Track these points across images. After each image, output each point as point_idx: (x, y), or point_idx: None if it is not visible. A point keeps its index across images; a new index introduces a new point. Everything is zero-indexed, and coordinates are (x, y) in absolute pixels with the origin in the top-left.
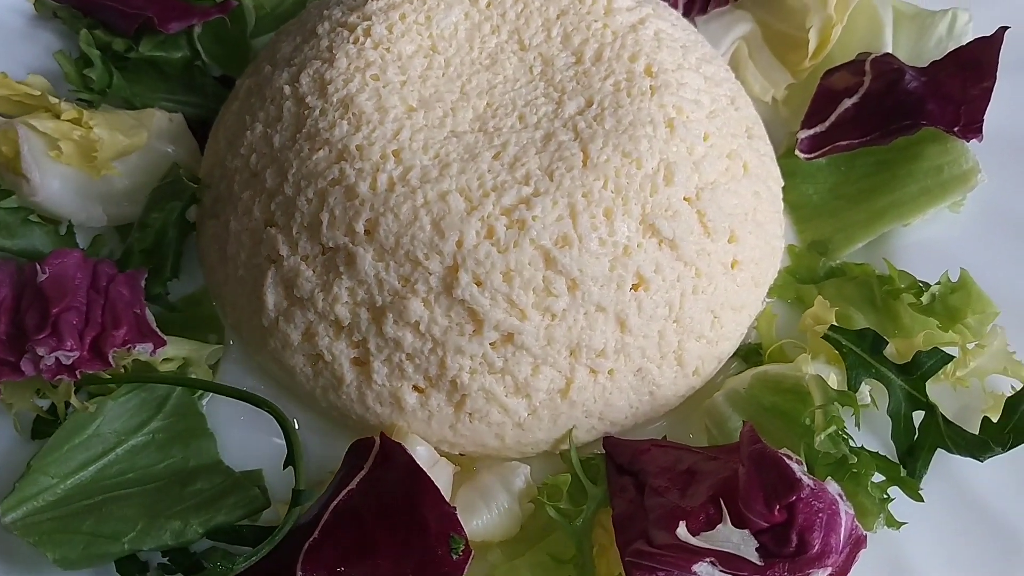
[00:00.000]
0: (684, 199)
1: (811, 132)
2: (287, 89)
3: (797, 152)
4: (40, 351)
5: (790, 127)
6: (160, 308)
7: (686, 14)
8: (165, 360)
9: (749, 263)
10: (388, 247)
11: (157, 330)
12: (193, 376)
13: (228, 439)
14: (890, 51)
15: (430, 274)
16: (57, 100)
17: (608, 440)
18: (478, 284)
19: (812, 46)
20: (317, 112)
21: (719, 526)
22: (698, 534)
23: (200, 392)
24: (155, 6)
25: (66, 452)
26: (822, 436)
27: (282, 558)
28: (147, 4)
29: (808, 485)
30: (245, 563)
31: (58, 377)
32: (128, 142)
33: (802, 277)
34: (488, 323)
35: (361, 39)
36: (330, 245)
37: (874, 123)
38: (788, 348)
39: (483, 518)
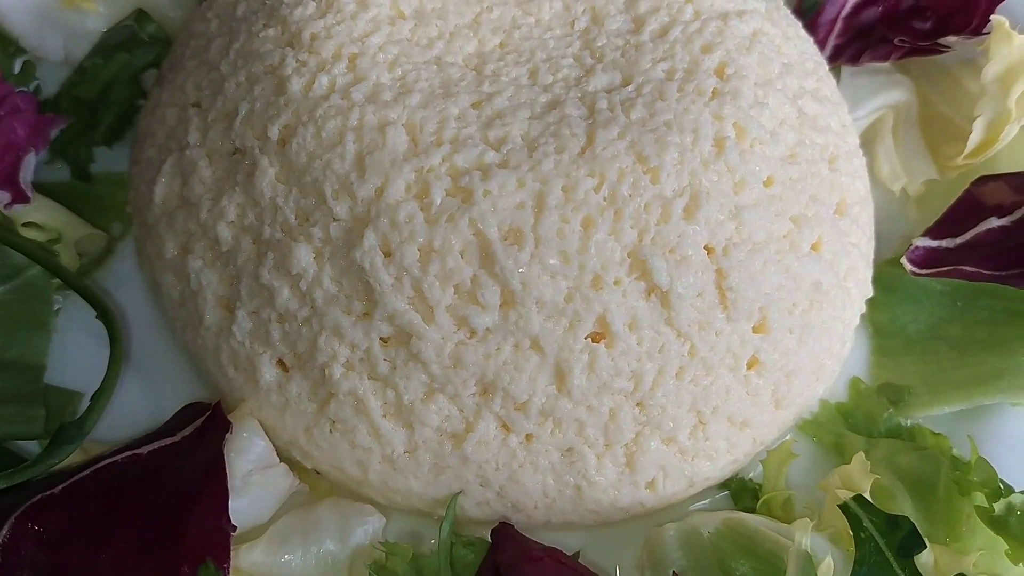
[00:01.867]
0: (704, 247)
1: (933, 244)
2: (270, 32)
3: (904, 261)
4: None
5: (912, 231)
6: (71, 170)
7: (833, 58)
8: (33, 226)
9: (775, 371)
10: (297, 167)
11: (25, 184)
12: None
13: (73, 348)
14: None
15: (333, 219)
16: None
17: (500, 529)
18: (385, 253)
19: (974, 141)
20: (310, 61)
21: None
22: None
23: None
24: None
25: None
26: None
27: (7, 500)
28: None
29: None
30: None
31: None
32: None
33: (855, 423)
34: (383, 308)
35: None
36: (237, 145)
37: (1019, 258)
38: (795, 503)
39: (294, 558)
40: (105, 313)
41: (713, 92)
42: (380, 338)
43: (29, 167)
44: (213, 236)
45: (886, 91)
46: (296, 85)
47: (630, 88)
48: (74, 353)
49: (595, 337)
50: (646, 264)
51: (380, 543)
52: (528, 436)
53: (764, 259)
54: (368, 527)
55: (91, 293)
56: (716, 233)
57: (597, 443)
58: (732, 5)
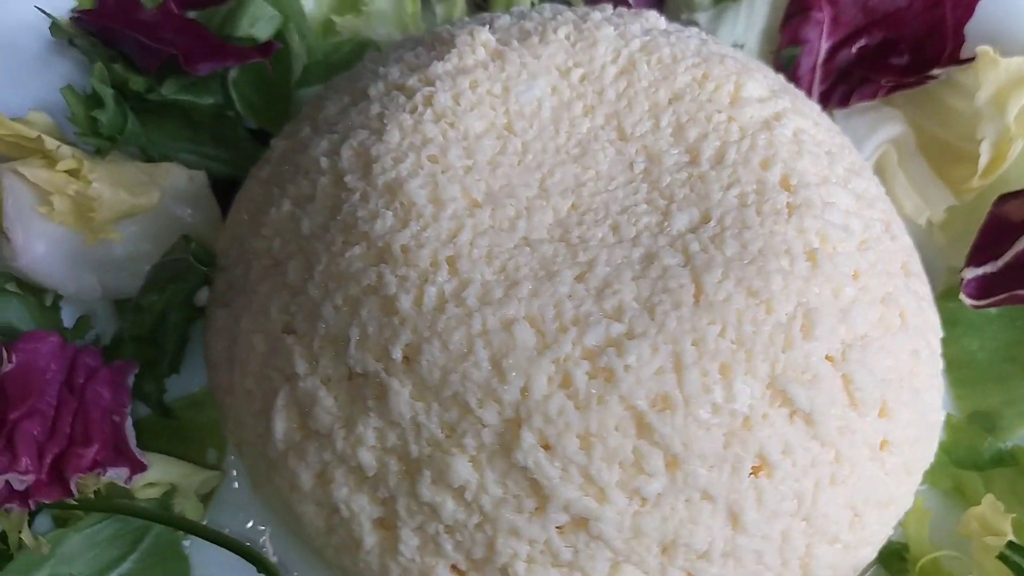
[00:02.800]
0: (826, 358)
1: (981, 271)
2: (324, 162)
3: (962, 296)
4: None
5: (948, 259)
6: (151, 410)
7: (822, 104)
8: (148, 485)
9: (902, 444)
10: (431, 384)
11: (136, 451)
12: (179, 510)
13: None
14: None
15: (483, 426)
16: (56, 145)
17: None
18: (546, 448)
19: (983, 162)
20: (357, 196)
21: None
22: None
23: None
24: (184, 41)
25: None
26: None
27: None
28: (175, 37)
29: None
30: None
31: (7, 505)
32: (133, 202)
33: (960, 459)
34: (555, 501)
35: (420, 108)
36: (358, 370)
37: None
38: (947, 562)
39: None
40: (252, 557)
41: (788, 207)
42: (557, 527)
43: (131, 431)
44: (355, 463)
45: (882, 127)
46: (405, 302)
47: (712, 224)
48: None
49: (756, 471)
50: (786, 393)
51: None
52: None
53: (874, 349)
54: None
55: (232, 542)
56: (832, 341)
57: (775, 565)
58: (768, 111)
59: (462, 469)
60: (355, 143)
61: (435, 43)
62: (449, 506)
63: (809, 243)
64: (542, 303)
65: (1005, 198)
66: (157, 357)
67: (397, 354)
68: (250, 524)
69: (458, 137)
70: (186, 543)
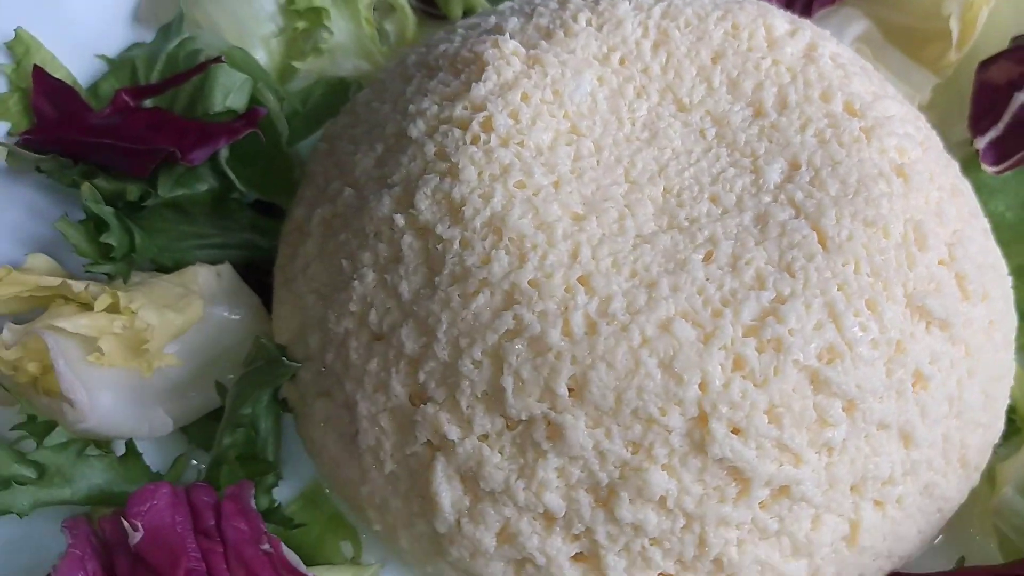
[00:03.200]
0: (939, 263)
1: (989, 138)
2: (400, 219)
3: (984, 166)
4: None
5: (945, 137)
6: (275, 526)
7: None
8: None
9: (1001, 320)
10: (607, 408)
11: (303, 569)
12: None
13: None
14: None
15: (670, 432)
16: (83, 286)
17: None
18: (737, 433)
19: (956, 35)
20: (457, 245)
21: None
22: None
23: None
24: (168, 135)
25: None
26: None
27: None
28: (157, 134)
29: None
30: None
31: None
32: (183, 319)
33: (1021, 315)
34: (757, 480)
35: (482, 137)
36: (521, 417)
37: None
38: None
39: None
40: None
41: (863, 132)
42: (759, 504)
43: (291, 552)
44: (541, 509)
45: (847, 28)
46: (555, 336)
47: (804, 168)
48: None
49: (915, 388)
50: (923, 308)
51: None
52: (898, 499)
53: (966, 240)
54: None
55: None
56: (939, 246)
57: (942, 467)
58: (801, 44)
59: (659, 480)
60: (429, 191)
61: (458, 65)
62: (652, 519)
63: (893, 160)
64: (687, 295)
65: (986, 64)
66: (263, 471)
67: (562, 389)
68: None
69: (533, 155)
70: None
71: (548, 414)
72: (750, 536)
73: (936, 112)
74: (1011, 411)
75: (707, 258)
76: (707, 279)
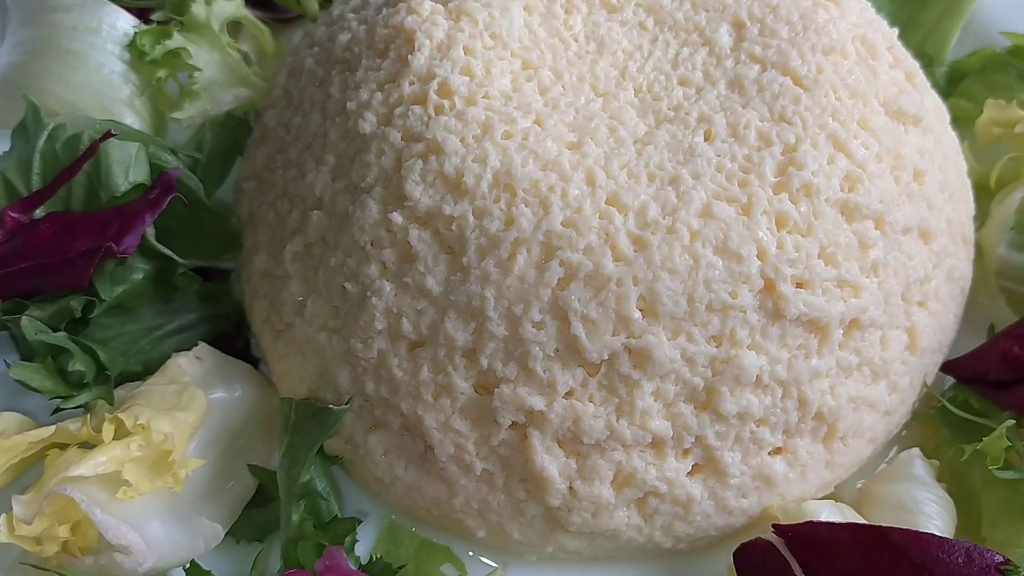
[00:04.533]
0: (891, 67)
1: None
2: (396, 217)
3: None
4: None
5: None
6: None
7: None
8: None
9: (934, 104)
10: (681, 313)
11: None
12: None
13: None
14: None
15: (745, 311)
16: (79, 424)
17: (955, 367)
18: (803, 287)
19: None
20: (471, 217)
21: None
22: None
23: None
24: (86, 233)
25: None
26: None
27: None
28: (74, 239)
29: None
30: None
31: None
32: (194, 415)
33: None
34: (832, 323)
35: (445, 104)
36: (603, 357)
37: None
38: (1006, 168)
39: (933, 528)
40: None
41: None
42: (838, 345)
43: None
44: (650, 438)
45: None
46: (609, 265)
47: (749, 24)
48: None
49: (917, 186)
50: (899, 110)
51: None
52: (936, 294)
53: (895, 42)
54: (917, 462)
55: None
56: (884, 51)
57: (954, 250)
58: None
59: (750, 361)
60: (417, 177)
61: (379, 45)
62: (754, 401)
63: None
64: (710, 176)
65: None
66: (345, 528)
67: (635, 313)
68: None
69: (502, 103)
70: None
71: (628, 343)
72: (838, 379)
73: None
74: None
75: (707, 137)
76: (718, 155)
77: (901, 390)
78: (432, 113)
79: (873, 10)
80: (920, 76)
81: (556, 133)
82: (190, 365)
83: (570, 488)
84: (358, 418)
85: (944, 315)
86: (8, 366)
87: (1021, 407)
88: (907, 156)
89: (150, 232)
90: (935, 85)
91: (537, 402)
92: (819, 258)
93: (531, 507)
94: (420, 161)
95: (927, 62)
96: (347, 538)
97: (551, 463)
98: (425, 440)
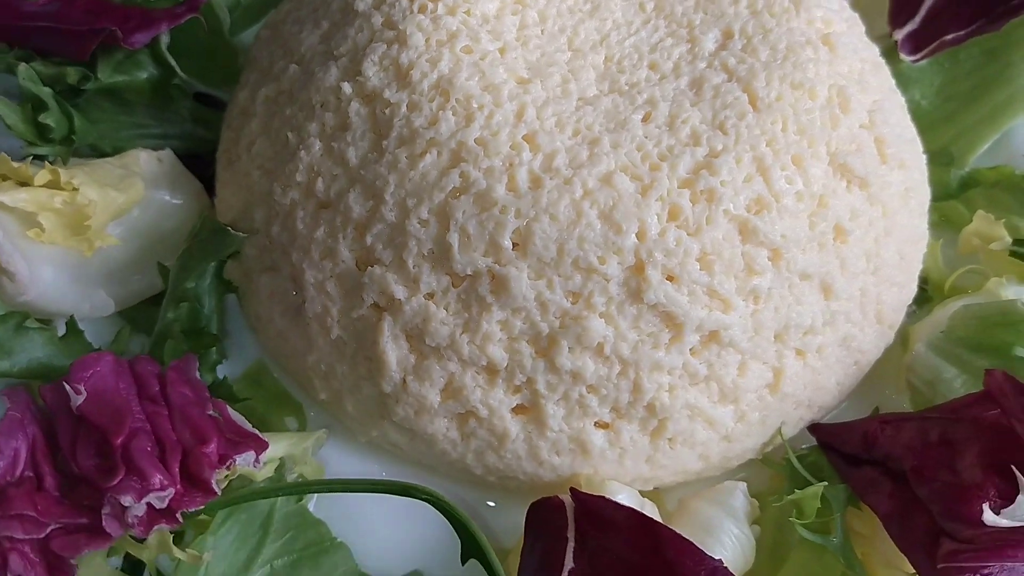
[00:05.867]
0: (861, 127)
1: (907, 30)
2: (347, 87)
3: (902, 55)
4: (125, 500)
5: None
6: (219, 398)
7: None
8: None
9: (916, 187)
10: (548, 259)
11: (252, 429)
12: (297, 477)
13: (359, 544)
14: None
15: (608, 280)
16: (19, 163)
17: (820, 429)
18: (671, 280)
19: None
20: (405, 108)
21: (1019, 497)
22: (999, 512)
23: (301, 497)
24: (108, 18)
25: None
26: None
27: None
28: (97, 18)
29: None
30: None
31: (156, 527)
32: (124, 197)
33: (936, 194)
34: (689, 325)
35: (429, 6)
36: (467, 272)
37: (975, 8)
38: (964, 277)
39: (721, 555)
40: (412, 490)
41: (793, 4)
42: (690, 349)
43: (238, 415)
44: (484, 362)
45: None
46: (500, 191)
47: (736, 37)
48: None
49: (836, 242)
50: (845, 165)
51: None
52: (819, 349)
53: (887, 109)
54: (739, 496)
55: (380, 483)
56: (860, 112)
57: (859, 320)
58: None
59: (597, 327)
60: (377, 57)
61: None
62: (590, 366)
63: (819, 30)
64: (627, 150)
65: None
66: (207, 345)
67: (507, 243)
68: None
69: (479, 23)
70: (310, 507)
71: (492, 268)
72: (681, 381)
73: (859, 7)
74: (923, 280)
75: (646, 118)
76: (646, 137)
77: (749, 423)
78: (415, 10)
79: (890, 78)
80: (895, 152)
81: (512, 65)
82: (148, 161)
83: (403, 380)
84: (259, 256)
85: (824, 375)
86: None
87: (859, 488)
88: (835, 209)
89: (164, 40)
90: (946, 184)
91: (399, 291)
92: (696, 260)
93: (367, 386)
94: (384, 46)
95: (947, 160)
96: (211, 355)
97: (393, 351)
98: (302, 293)
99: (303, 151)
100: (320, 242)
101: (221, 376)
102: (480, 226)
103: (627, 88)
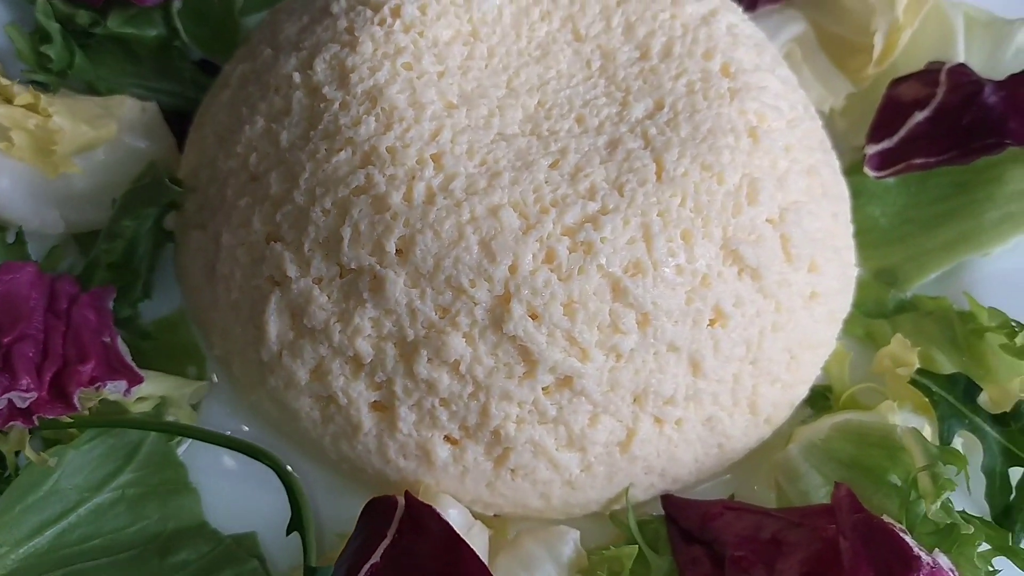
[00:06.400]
0: (767, 220)
1: (880, 147)
2: (297, 77)
3: (866, 169)
4: None
5: (848, 141)
6: (128, 334)
7: None
8: (139, 400)
9: (828, 295)
10: (425, 271)
11: (132, 364)
12: (173, 419)
13: (213, 495)
14: (963, 61)
15: (476, 304)
16: (9, 82)
17: (669, 501)
18: (534, 318)
19: (877, 51)
20: (337, 105)
21: None
22: None
23: (178, 439)
24: None
25: (18, 514)
26: (937, 504)
27: None
28: None
29: (927, 563)
30: None
31: (10, 424)
32: (94, 134)
33: (869, 310)
34: (543, 364)
35: (389, 20)
36: (352, 266)
37: (951, 140)
38: (864, 393)
39: None
40: (262, 454)
41: (730, 92)
42: (543, 388)
43: (124, 348)
44: (352, 353)
45: (786, 27)
46: (396, 199)
47: (666, 110)
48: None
49: (713, 323)
50: (737, 252)
51: (597, 553)
52: (678, 421)
53: (805, 212)
54: (570, 543)
55: (234, 441)
56: (771, 207)
57: (728, 405)
58: (704, 7)
59: (457, 345)
60: (328, 56)
61: None
62: (445, 380)
63: (749, 122)
64: (523, 189)
65: (898, 82)
66: (130, 283)
67: (391, 247)
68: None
69: (428, 45)
70: (181, 450)
71: (375, 267)
72: (530, 417)
73: (847, 118)
74: (827, 389)
75: (553, 165)
76: (546, 182)
77: (594, 475)
78: (375, 21)
79: (836, 188)
80: (804, 254)
81: (444, 89)
82: (132, 108)
83: (279, 352)
84: (195, 212)
85: (681, 448)
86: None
87: (682, 563)
88: (717, 291)
89: (176, 6)
90: (883, 303)
91: (291, 270)
92: (561, 305)
93: (251, 351)
94: (338, 47)
95: (891, 280)
96: (135, 291)
97: (275, 323)
98: (217, 254)
99: (248, 126)
100: (241, 211)
101: (143, 315)
102: (371, 226)
103: (546, 134)
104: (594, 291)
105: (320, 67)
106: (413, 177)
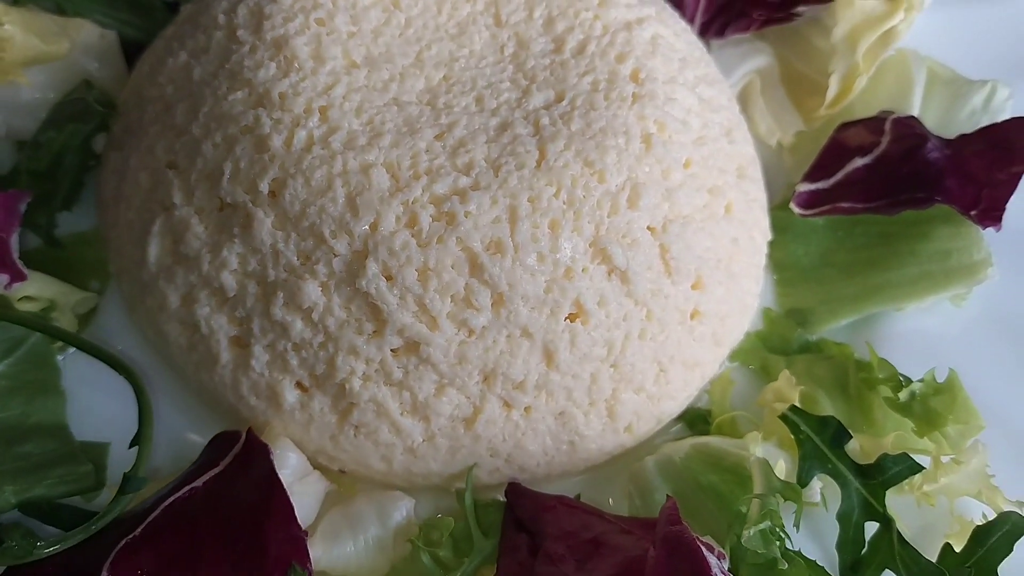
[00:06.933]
0: (647, 228)
1: (812, 187)
2: (221, 19)
3: (792, 205)
4: None
5: (791, 178)
6: (41, 241)
7: (701, 34)
8: (26, 299)
9: (712, 317)
10: (292, 215)
11: (19, 262)
12: (56, 323)
13: (81, 403)
14: (916, 114)
15: (335, 256)
16: None
17: (512, 488)
18: (387, 278)
19: (831, 93)
20: (246, 48)
21: None
22: None
23: (60, 344)
24: None
25: None
26: (752, 531)
27: (91, 552)
28: None
29: None
30: (48, 549)
31: None
32: (44, 48)
33: (773, 346)
34: (392, 325)
35: None
36: (228, 201)
37: (884, 189)
38: (740, 421)
39: (347, 549)
40: (122, 367)
41: (633, 96)
42: (391, 350)
43: (15, 246)
44: (217, 285)
45: (751, 58)
46: (277, 142)
47: (564, 103)
48: (80, 407)
49: (572, 317)
50: (606, 251)
51: (418, 521)
52: (527, 408)
53: (693, 228)
54: (403, 509)
55: (104, 352)
56: (655, 215)
57: (583, 403)
58: (632, 15)
59: (312, 292)
60: (251, 2)
61: None
62: (297, 325)
63: (646, 128)
64: (400, 153)
65: (846, 126)
66: (52, 192)
67: (264, 187)
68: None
69: (347, 5)
70: (60, 358)
71: (247, 205)
72: (376, 376)
73: (795, 156)
74: (708, 414)
75: (438, 136)
76: (426, 150)
77: (437, 447)
78: None
79: (754, 214)
80: (687, 269)
81: (351, 49)
82: (90, 32)
83: (157, 275)
84: (119, 135)
85: (529, 437)
86: None
87: (504, 548)
88: (579, 286)
89: None
90: (788, 342)
91: (177, 196)
92: (416, 270)
93: (135, 270)
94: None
95: (800, 320)
96: (54, 202)
97: (156, 246)
98: (125, 174)
99: (171, 59)
100: (150, 137)
101: (62, 227)
102: (250, 164)
103: (441, 107)
104: (452, 263)
105: (242, 12)
106: (297, 124)
